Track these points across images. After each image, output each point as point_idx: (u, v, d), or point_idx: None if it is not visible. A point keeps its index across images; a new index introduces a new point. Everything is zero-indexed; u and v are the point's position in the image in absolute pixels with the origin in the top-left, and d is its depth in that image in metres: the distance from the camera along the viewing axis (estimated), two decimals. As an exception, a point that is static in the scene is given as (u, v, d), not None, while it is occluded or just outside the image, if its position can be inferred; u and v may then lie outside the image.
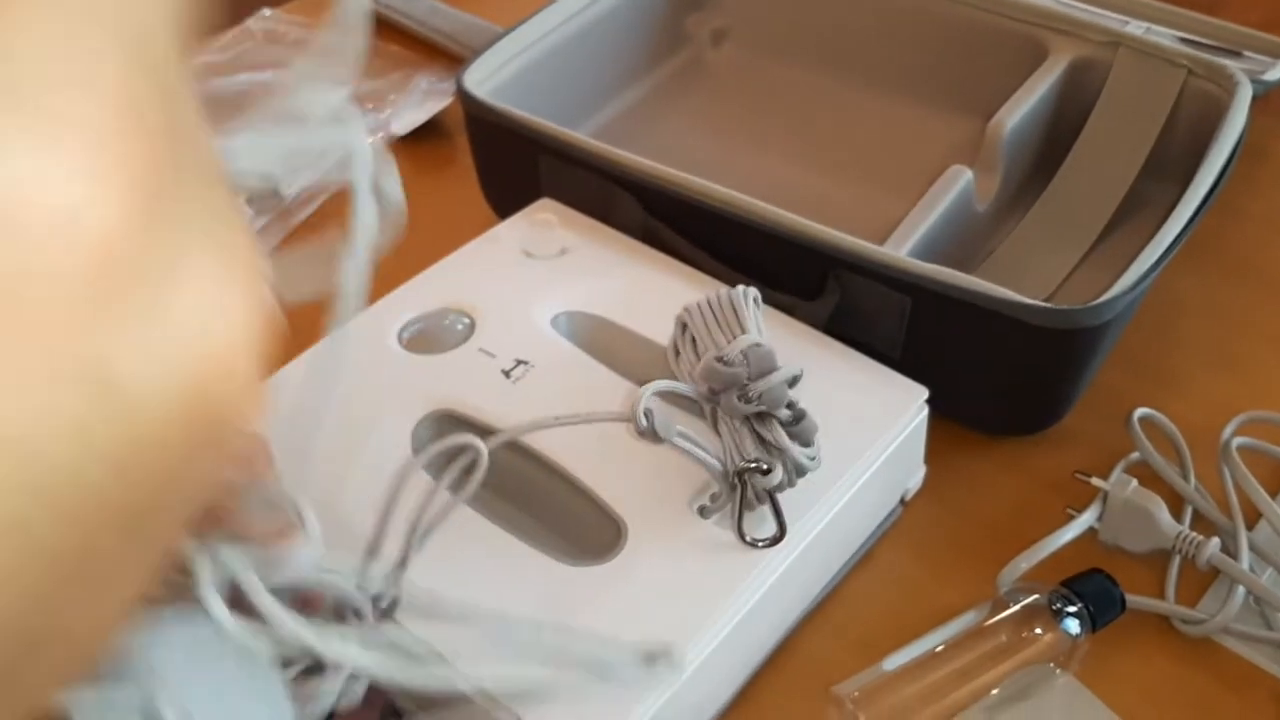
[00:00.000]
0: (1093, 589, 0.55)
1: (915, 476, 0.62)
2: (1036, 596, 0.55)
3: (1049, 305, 0.58)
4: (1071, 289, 0.72)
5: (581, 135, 0.70)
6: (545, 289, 0.64)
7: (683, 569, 0.50)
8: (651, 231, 0.68)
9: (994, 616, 0.54)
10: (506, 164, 0.75)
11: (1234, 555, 0.56)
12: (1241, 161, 0.69)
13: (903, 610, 0.57)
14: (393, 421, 0.56)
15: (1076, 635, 0.54)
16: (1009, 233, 0.75)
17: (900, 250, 0.64)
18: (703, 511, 0.53)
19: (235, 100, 0.93)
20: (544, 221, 0.68)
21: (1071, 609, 0.54)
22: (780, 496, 0.53)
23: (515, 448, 0.56)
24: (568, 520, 0.54)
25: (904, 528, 0.62)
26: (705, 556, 0.51)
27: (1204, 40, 0.82)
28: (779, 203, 0.64)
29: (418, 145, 0.87)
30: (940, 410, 0.60)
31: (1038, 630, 0.54)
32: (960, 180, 0.69)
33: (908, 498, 0.62)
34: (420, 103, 0.89)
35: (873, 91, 0.86)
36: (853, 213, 0.70)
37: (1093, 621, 0.54)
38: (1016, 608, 0.55)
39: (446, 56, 0.96)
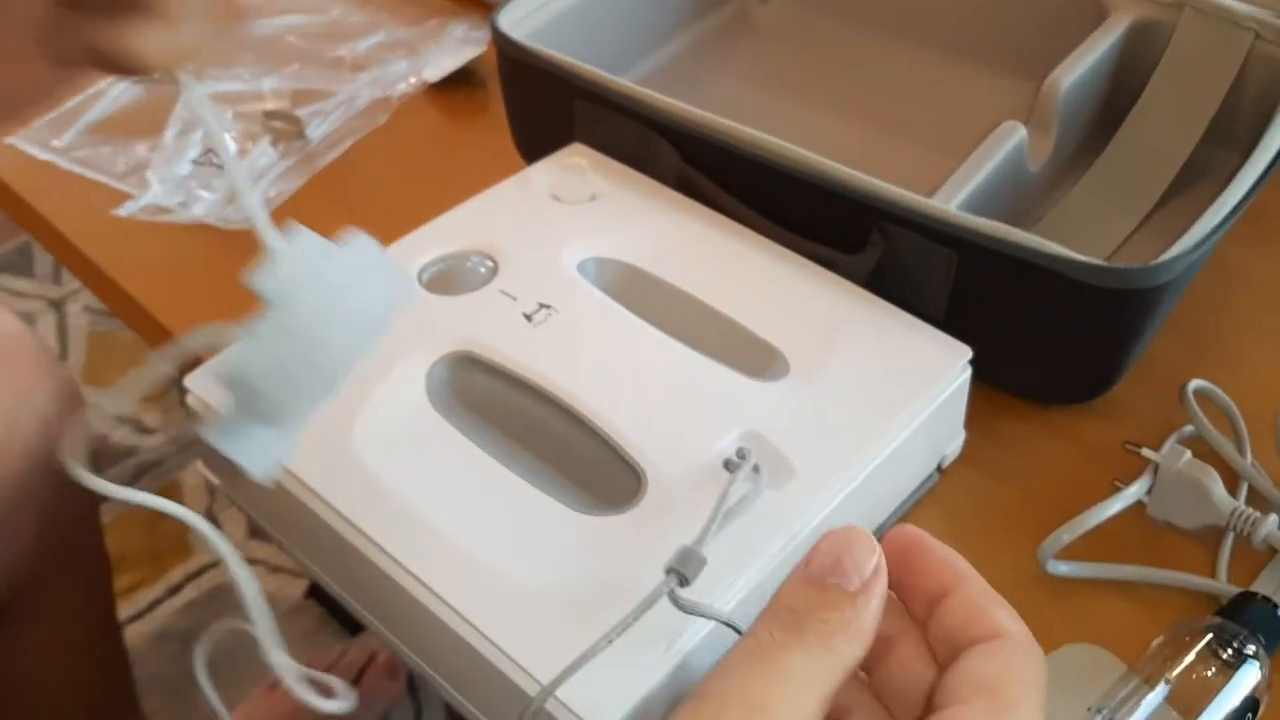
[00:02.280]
0: (1260, 618, 0.50)
1: (955, 442, 0.59)
2: (1200, 646, 0.49)
3: (1104, 264, 0.54)
4: (1126, 255, 0.68)
5: (620, 79, 0.68)
6: (573, 234, 0.61)
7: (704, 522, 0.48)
8: (687, 180, 0.65)
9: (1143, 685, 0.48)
10: (539, 108, 0.73)
11: (1292, 534, 0.53)
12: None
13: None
14: (409, 360, 0.54)
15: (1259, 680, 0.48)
16: (1063, 196, 0.72)
17: (949, 205, 0.61)
18: (728, 465, 0.50)
19: (274, 42, 0.91)
20: (575, 166, 0.65)
21: (1249, 650, 0.48)
22: (811, 454, 0.51)
23: (534, 394, 0.54)
24: (586, 469, 0.52)
25: (941, 495, 0.59)
26: (734, 510, 0.48)
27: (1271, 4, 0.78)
28: (823, 156, 0.61)
29: (450, 93, 0.85)
30: (984, 374, 0.57)
31: (1209, 673, 0.48)
32: (1013, 137, 0.65)
33: (945, 464, 0.59)
34: (454, 50, 0.87)
35: (924, 49, 0.83)
36: (901, 170, 0.66)
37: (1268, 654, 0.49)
38: (1182, 659, 0.48)
39: (482, 5, 0.94)
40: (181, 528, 1.17)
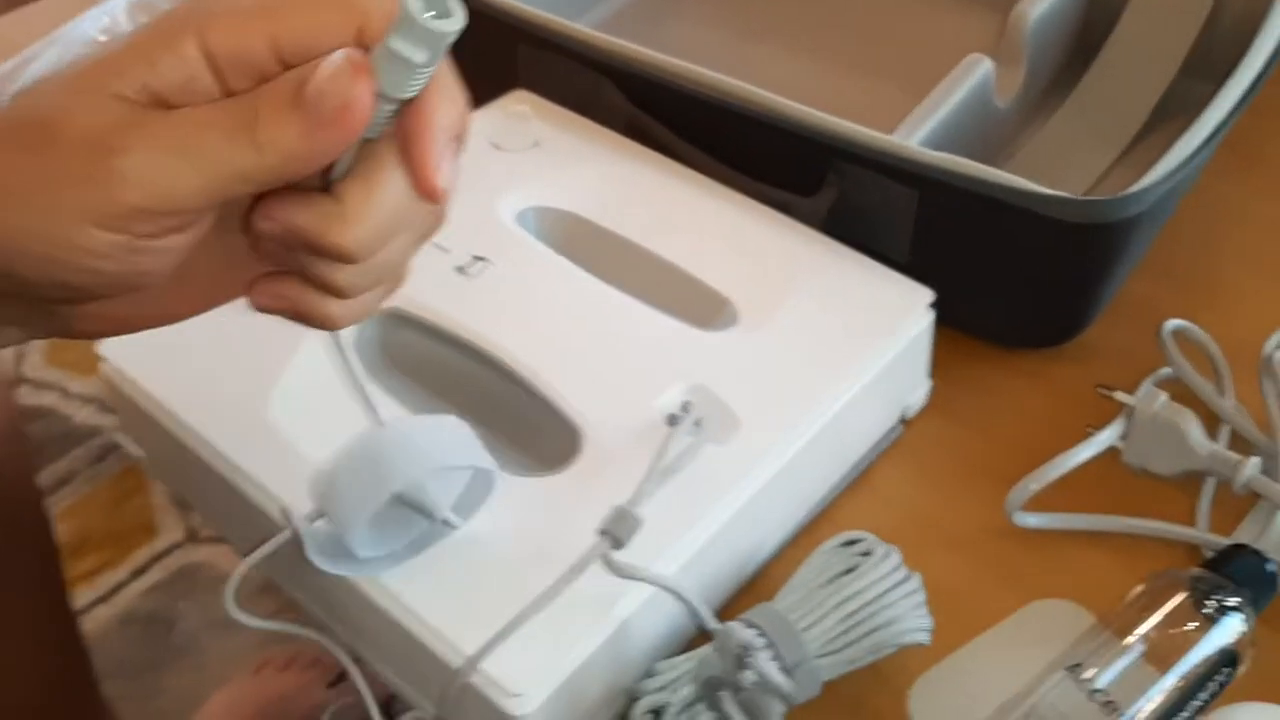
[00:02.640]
0: (1245, 571, 0.46)
1: (919, 391, 0.56)
2: (1181, 597, 0.46)
3: (1072, 197, 0.51)
4: (1103, 192, 0.65)
5: (575, 24, 0.64)
6: (513, 183, 0.58)
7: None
8: (637, 125, 0.62)
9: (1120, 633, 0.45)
10: (481, 54, 0.69)
11: (1275, 478, 0.50)
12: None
13: (900, 534, 0.51)
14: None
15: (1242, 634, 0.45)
16: (1036, 133, 0.68)
17: (910, 141, 0.57)
18: (671, 421, 0.47)
19: None
20: (517, 113, 0.62)
21: (1231, 602, 0.45)
22: (759, 406, 0.48)
23: (473, 352, 0.50)
24: (523, 429, 0.49)
25: (906, 446, 0.56)
26: (672, 468, 0.45)
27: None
28: (779, 95, 0.58)
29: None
30: (951, 319, 0.54)
31: (1189, 627, 0.45)
32: (977, 70, 0.62)
33: (910, 415, 0.56)
34: None
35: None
36: (863, 108, 0.63)
37: (1254, 609, 0.45)
38: (1157, 616, 0.45)
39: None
40: (146, 508, 1.15)
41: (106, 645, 1.03)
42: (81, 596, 1.06)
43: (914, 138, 0.57)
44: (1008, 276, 0.56)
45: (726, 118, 0.58)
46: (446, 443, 0.42)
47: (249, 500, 0.47)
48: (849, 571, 0.46)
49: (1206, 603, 0.46)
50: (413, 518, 0.44)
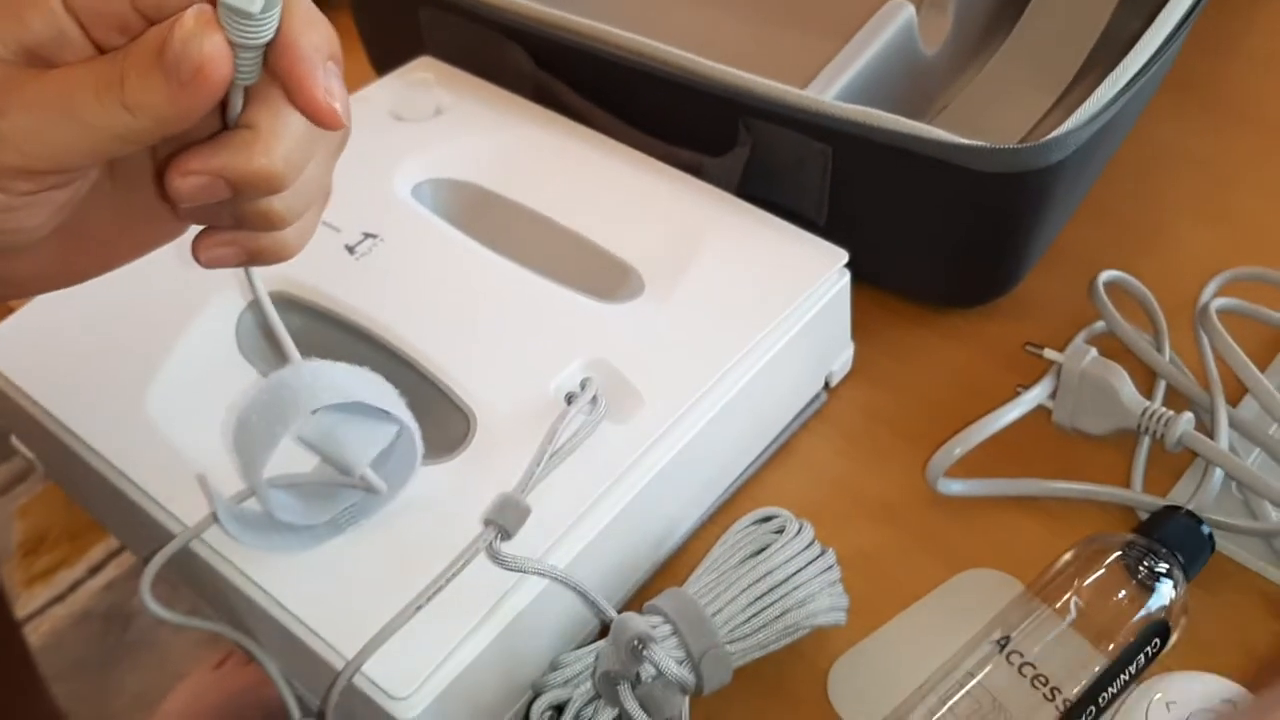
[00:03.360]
0: (1178, 534, 0.44)
1: (841, 357, 0.53)
2: (1111, 561, 0.44)
3: (989, 145, 0.48)
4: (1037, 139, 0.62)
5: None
6: (410, 154, 0.55)
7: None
8: (543, 88, 0.59)
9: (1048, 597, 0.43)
10: (385, 17, 0.66)
11: (1211, 434, 0.48)
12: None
13: (823, 506, 0.49)
14: (217, 303, 0.48)
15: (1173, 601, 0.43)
16: (969, 81, 0.66)
17: (825, 96, 0.54)
18: (570, 400, 0.45)
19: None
20: (420, 81, 0.59)
21: (1163, 568, 0.43)
22: (663, 380, 0.45)
23: (362, 336, 0.48)
24: (415, 416, 0.46)
25: (830, 415, 0.53)
26: (565, 449, 0.43)
27: None
28: (689, 51, 0.55)
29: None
30: (874, 280, 0.52)
31: (1120, 595, 0.43)
32: (898, 17, 0.59)
33: (834, 382, 0.54)
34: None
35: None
36: (777, 61, 0.60)
37: (1185, 575, 0.43)
38: (1087, 583, 0.43)
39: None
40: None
41: (64, 644, 1.01)
42: (38, 596, 1.04)
43: (829, 91, 0.55)
44: (930, 233, 0.53)
45: (633, 78, 0.56)
46: (362, 386, 0.39)
47: (136, 506, 0.44)
48: (761, 550, 0.44)
49: (1139, 569, 0.44)
50: (339, 491, 0.41)
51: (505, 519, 0.39)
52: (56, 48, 0.29)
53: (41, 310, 0.50)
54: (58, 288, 0.35)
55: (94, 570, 1.08)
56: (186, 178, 0.31)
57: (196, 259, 0.34)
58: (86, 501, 0.52)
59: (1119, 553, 0.44)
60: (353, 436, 0.40)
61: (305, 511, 0.41)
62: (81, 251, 0.34)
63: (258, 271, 0.38)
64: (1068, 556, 0.45)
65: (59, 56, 0.29)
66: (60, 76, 0.29)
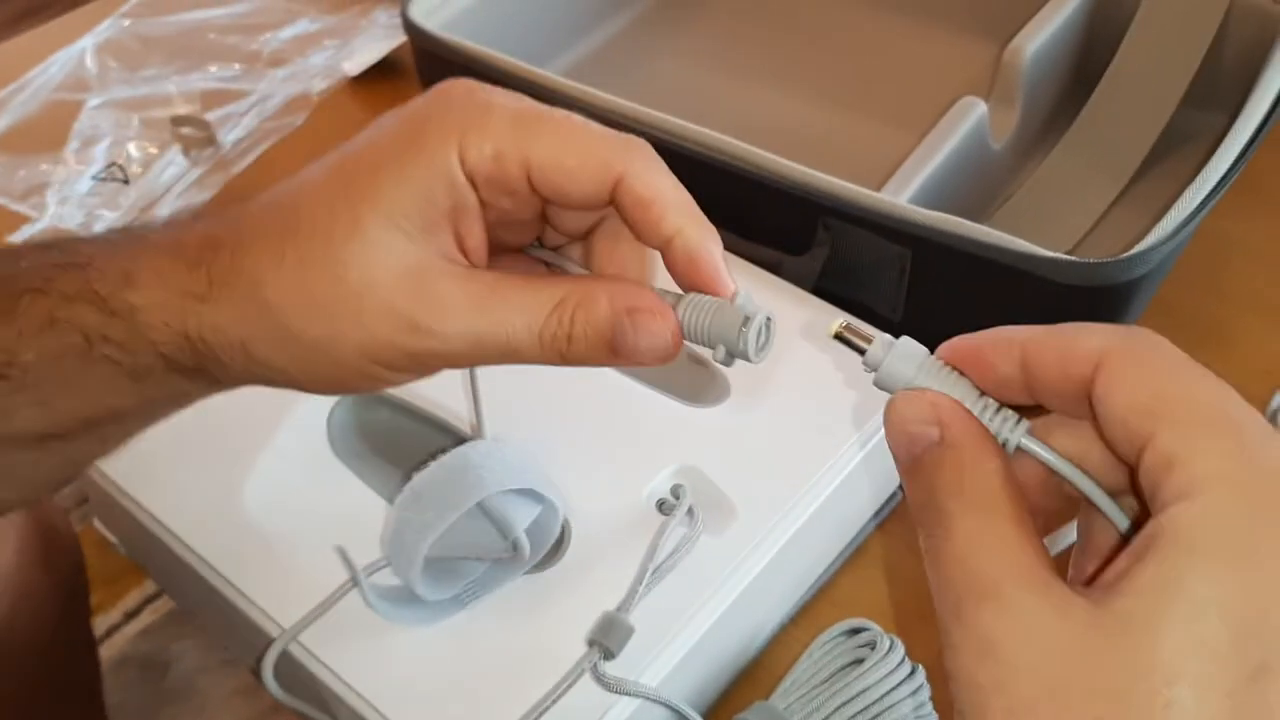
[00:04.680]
0: None
1: (918, 457, 0.54)
2: None
3: (1072, 259, 0.49)
4: (1102, 237, 0.63)
5: (544, 72, 0.62)
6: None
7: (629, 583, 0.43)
8: (619, 178, 0.60)
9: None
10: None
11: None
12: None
13: (901, 610, 0.50)
14: (306, 401, 0.49)
15: None
16: (1032, 173, 0.66)
17: (902, 195, 0.55)
18: (662, 507, 0.45)
19: (186, 38, 0.85)
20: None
21: None
22: (754, 489, 0.46)
23: (448, 434, 0.49)
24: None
25: (904, 515, 0.54)
26: (665, 566, 0.43)
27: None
28: (766, 144, 0.56)
29: (373, 86, 0.79)
30: (948, 380, 0.52)
31: None
32: (972, 114, 0.60)
33: (909, 481, 0.54)
34: (378, 39, 0.81)
35: (877, 14, 0.77)
36: (851, 153, 0.61)
37: None
38: None
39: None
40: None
41: (103, 692, 1.01)
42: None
43: (906, 192, 0.55)
44: (1008, 336, 0.54)
45: (710, 173, 0.56)
46: (531, 469, 0.41)
47: (237, 609, 0.45)
48: (850, 665, 0.44)
49: None
50: (462, 566, 0.42)
51: (609, 639, 0.40)
52: (453, 216, 0.29)
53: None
54: None
55: (130, 616, 1.08)
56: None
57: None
58: (174, 591, 0.52)
59: None
60: (511, 506, 0.42)
61: (438, 587, 0.42)
62: None
63: None
64: None
65: (453, 220, 0.29)
66: (504, 304, 0.29)
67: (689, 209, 0.29)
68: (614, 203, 0.29)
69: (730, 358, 0.29)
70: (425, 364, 0.30)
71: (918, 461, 0.26)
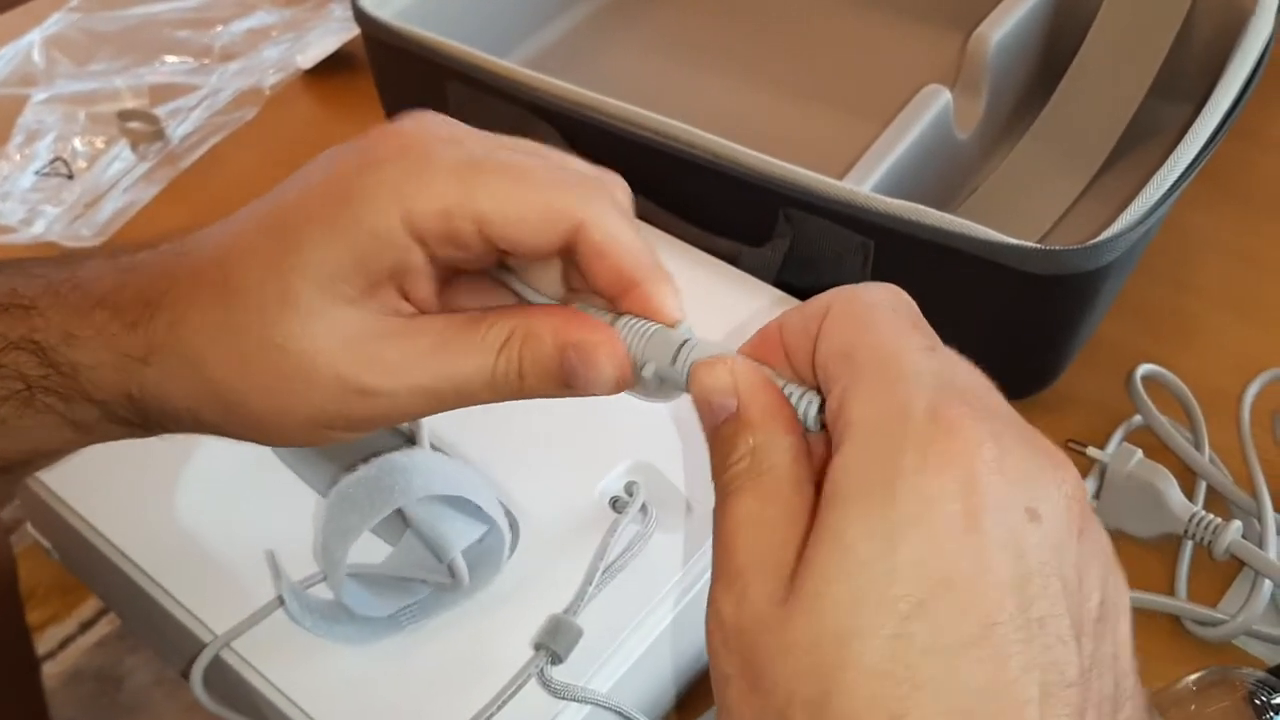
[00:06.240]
0: None
1: (881, 452, 0.52)
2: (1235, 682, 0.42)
3: (1038, 246, 0.48)
4: (1069, 228, 0.62)
5: (503, 61, 0.60)
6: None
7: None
8: (575, 169, 0.58)
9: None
10: (411, 94, 0.65)
11: (1260, 543, 0.47)
12: (1265, 80, 0.58)
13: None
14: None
15: None
16: (998, 164, 0.65)
17: (864, 185, 0.54)
18: (615, 505, 0.44)
19: (136, 32, 0.83)
20: (449, 160, 0.58)
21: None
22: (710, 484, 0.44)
23: (400, 435, 0.47)
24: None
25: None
26: (617, 565, 0.42)
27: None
28: (727, 133, 0.54)
29: (327, 80, 0.77)
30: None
31: None
32: (936, 103, 0.58)
33: (873, 477, 0.53)
34: (333, 32, 0.79)
35: (841, 4, 0.76)
36: (814, 143, 0.60)
37: None
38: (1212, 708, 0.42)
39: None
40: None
41: (54, 704, 0.98)
42: (25, 652, 1.02)
43: (869, 181, 0.54)
44: (971, 329, 0.52)
45: (669, 163, 0.55)
46: (468, 482, 0.39)
47: (171, 616, 0.43)
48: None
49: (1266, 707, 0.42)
50: (406, 586, 0.41)
51: (557, 643, 0.38)
52: (396, 275, 0.28)
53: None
54: None
55: (85, 626, 1.05)
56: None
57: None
58: (111, 600, 0.50)
59: (1246, 689, 0.43)
60: (448, 525, 0.39)
61: (372, 603, 0.40)
62: None
63: None
64: (1189, 680, 0.43)
65: (394, 279, 0.28)
66: (446, 354, 0.28)
67: (647, 261, 0.28)
68: (570, 249, 0.28)
69: (660, 387, 0.28)
70: (379, 422, 0.29)
71: (716, 432, 0.26)
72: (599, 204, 0.28)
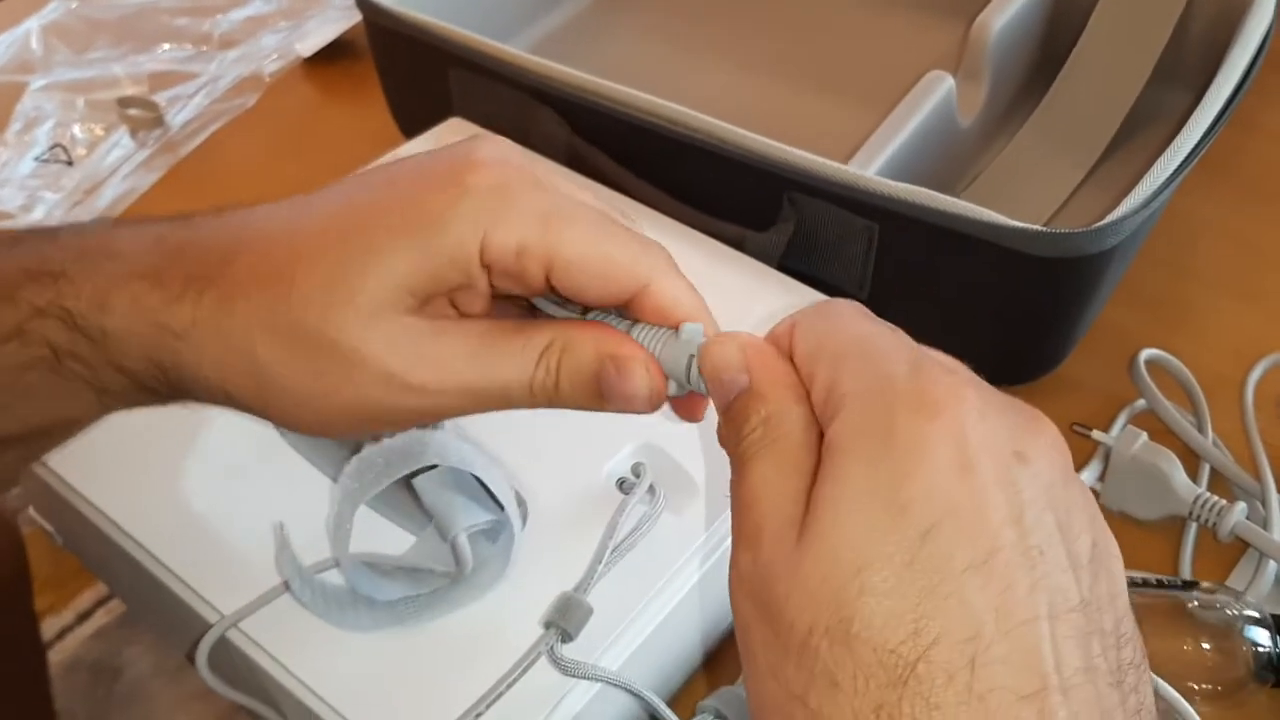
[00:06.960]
0: None
1: (886, 436, 0.52)
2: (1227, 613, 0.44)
3: (1043, 229, 0.48)
4: (1071, 214, 0.62)
5: (505, 47, 0.60)
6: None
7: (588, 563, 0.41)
8: (577, 154, 0.58)
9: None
10: (414, 79, 0.65)
11: (1264, 524, 0.47)
12: (1265, 68, 0.59)
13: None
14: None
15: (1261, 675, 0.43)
16: (999, 151, 0.65)
17: (868, 169, 0.54)
18: (622, 486, 0.44)
19: (136, 19, 0.83)
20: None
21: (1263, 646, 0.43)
22: (718, 465, 0.44)
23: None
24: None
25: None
26: (625, 545, 0.42)
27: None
28: (732, 119, 0.54)
29: (327, 67, 0.77)
30: (915, 357, 0.51)
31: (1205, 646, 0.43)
32: (939, 89, 0.59)
33: (877, 461, 0.53)
34: (334, 19, 0.79)
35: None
36: (818, 130, 0.60)
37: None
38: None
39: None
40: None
41: (53, 696, 0.98)
42: (22, 644, 1.01)
43: (873, 165, 0.54)
44: (975, 312, 0.53)
45: (673, 147, 0.55)
46: (485, 466, 0.40)
47: (178, 598, 0.43)
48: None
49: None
50: (414, 577, 0.40)
51: (567, 621, 0.38)
52: (460, 299, 0.29)
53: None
54: None
55: (82, 617, 1.05)
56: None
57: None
58: (115, 584, 0.50)
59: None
60: (456, 505, 0.40)
61: (379, 585, 0.40)
62: None
63: None
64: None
65: (457, 296, 0.29)
66: (490, 355, 0.29)
67: (703, 315, 0.30)
68: (630, 304, 0.30)
69: (681, 388, 0.30)
70: (419, 418, 0.30)
71: (730, 406, 0.27)
72: (664, 263, 0.30)
